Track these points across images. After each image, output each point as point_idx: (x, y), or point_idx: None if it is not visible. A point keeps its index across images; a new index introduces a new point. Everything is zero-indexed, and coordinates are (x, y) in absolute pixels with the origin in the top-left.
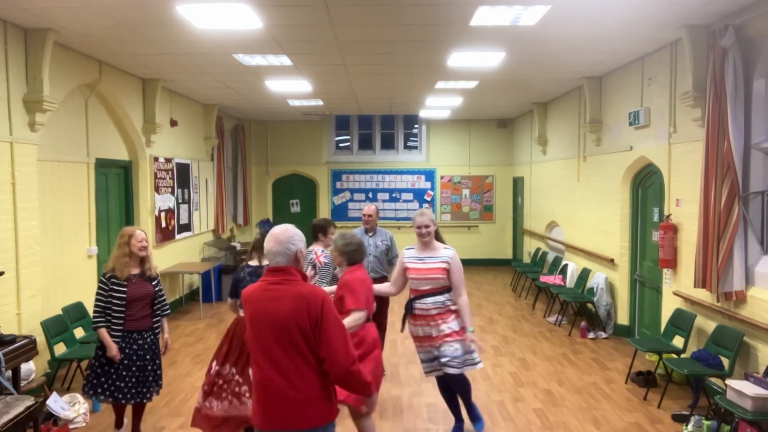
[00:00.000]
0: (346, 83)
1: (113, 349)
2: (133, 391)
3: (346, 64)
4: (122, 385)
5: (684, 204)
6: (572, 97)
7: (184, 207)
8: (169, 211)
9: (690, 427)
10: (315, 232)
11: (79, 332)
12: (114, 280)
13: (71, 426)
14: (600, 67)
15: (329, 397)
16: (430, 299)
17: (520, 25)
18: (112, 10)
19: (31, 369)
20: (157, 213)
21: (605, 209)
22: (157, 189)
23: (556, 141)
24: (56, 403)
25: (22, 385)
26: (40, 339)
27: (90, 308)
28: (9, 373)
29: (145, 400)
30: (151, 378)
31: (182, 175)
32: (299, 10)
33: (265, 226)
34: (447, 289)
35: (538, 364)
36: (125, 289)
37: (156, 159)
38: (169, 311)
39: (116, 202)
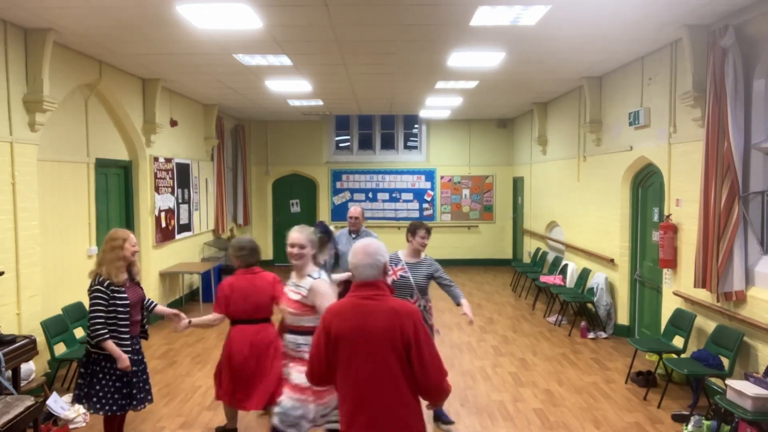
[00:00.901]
0: (346, 83)
1: (125, 360)
2: (140, 396)
3: (346, 64)
4: (135, 391)
5: (684, 204)
6: (572, 97)
7: (184, 207)
8: (169, 211)
9: (690, 427)
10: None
11: (79, 332)
12: (113, 287)
13: (71, 426)
14: (600, 67)
15: (420, 414)
16: (289, 336)
17: (520, 25)
18: (112, 10)
19: (31, 369)
20: (157, 213)
21: (605, 209)
22: (157, 189)
23: (556, 141)
24: (56, 403)
25: (22, 385)
26: (40, 339)
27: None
28: (9, 373)
29: (147, 404)
30: (146, 385)
31: (182, 175)
32: (299, 10)
33: (323, 227)
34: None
35: (538, 364)
36: (126, 294)
37: (156, 159)
38: (155, 304)
39: (116, 202)
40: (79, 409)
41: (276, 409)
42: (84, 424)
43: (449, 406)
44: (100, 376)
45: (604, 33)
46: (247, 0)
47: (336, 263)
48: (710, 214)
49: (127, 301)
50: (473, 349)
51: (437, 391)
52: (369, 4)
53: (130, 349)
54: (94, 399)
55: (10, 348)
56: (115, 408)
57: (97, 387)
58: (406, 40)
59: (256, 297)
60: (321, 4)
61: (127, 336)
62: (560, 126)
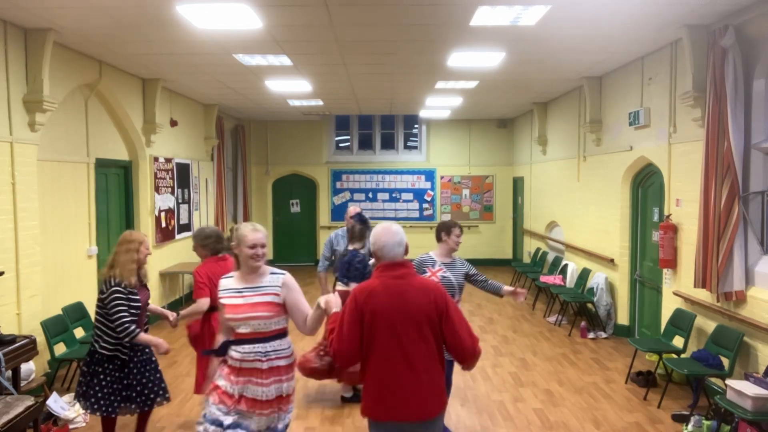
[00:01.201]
0: (346, 83)
1: (164, 344)
2: (143, 397)
3: (346, 64)
4: (134, 394)
5: (684, 204)
6: (572, 97)
7: (184, 207)
8: (169, 211)
9: (690, 427)
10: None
11: (79, 332)
12: (128, 288)
13: (71, 426)
14: (600, 67)
15: (443, 388)
16: (258, 345)
17: (520, 25)
18: (112, 10)
19: (31, 369)
20: (157, 213)
21: (605, 209)
22: (157, 189)
23: (556, 141)
24: (56, 403)
25: (22, 385)
26: (40, 339)
27: (90, 308)
28: (9, 373)
29: (147, 408)
30: (153, 386)
31: (182, 175)
32: (299, 10)
33: (361, 217)
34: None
35: (538, 364)
36: (138, 296)
37: (156, 159)
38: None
39: (116, 202)
40: (79, 409)
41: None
42: (84, 424)
43: (449, 406)
44: (101, 376)
45: (604, 33)
46: (247, 0)
47: (332, 263)
48: (710, 214)
49: (139, 303)
50: None
51: (471, 354)
52: (369, 4)
53: (139, 349)
54: (92, 399)
55: (10, 348)
56: (110, 409)
57: (96, 387)
58: (406, 40)
59: None
60: (321, 4)
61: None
62: (560, 126)
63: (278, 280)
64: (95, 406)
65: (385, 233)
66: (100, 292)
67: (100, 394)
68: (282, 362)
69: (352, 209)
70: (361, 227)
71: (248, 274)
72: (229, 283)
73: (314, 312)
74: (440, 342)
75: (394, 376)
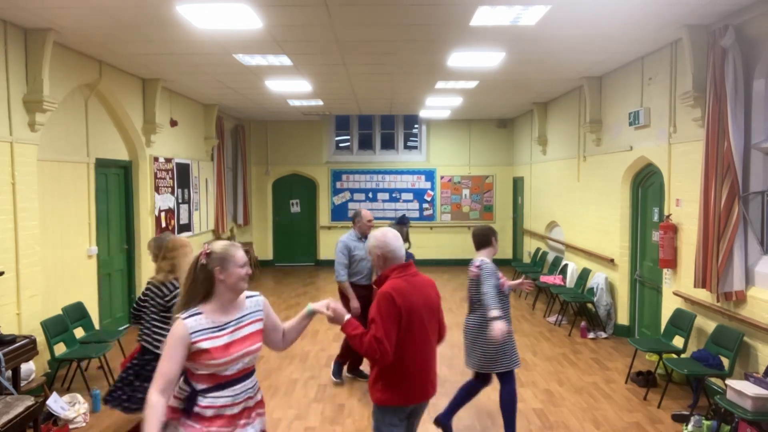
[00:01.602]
0: (346, 83)
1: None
2: None
3: (346, 64)
4: None
5: (684, 204)
6: (572, 97)
7: (184, 207)
8: (169, 211)
9: (690, 427)
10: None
11: (79, 332)
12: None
13: (71, 426)
14: (600, 67)
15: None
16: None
17: (520, 25)
18: (112, 10)
19: (31, 369)
20: (157, 213)
21: (605, 209)
22: (157, 189)
23: (556, 141)
24: (56, 403)
25: (22, 385)
26: (40, 339)
27: (91, 308)
28: (9, 373)
29: None
30: None
31: (182, 175)
32: (299, 10)
33: (406, 219)
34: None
35: (538, 364)
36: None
37: (156, 159)
38: None
39: (116, 202)
40: (79, 409)
41: None
42: (84, 424)
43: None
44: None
45: (604, 33)
46: (247, 0)
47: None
48: (710, 214)
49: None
50: None
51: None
52: (369, 4)
53: None
54: (139, 396)
55: (10, 348)
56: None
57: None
58: (406, 40)
59: None
60: (321, 4)
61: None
62: (560, 126)
63: (259, 302)
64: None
65: (392, 238)
66: (157, 295)
67: (141, 395)
68: (260, 393)
69: (368, 213)
70: (407, 230)
71: (226, 304)
72: (199, 322)
73: (302, 321)
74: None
75: (426, 363)
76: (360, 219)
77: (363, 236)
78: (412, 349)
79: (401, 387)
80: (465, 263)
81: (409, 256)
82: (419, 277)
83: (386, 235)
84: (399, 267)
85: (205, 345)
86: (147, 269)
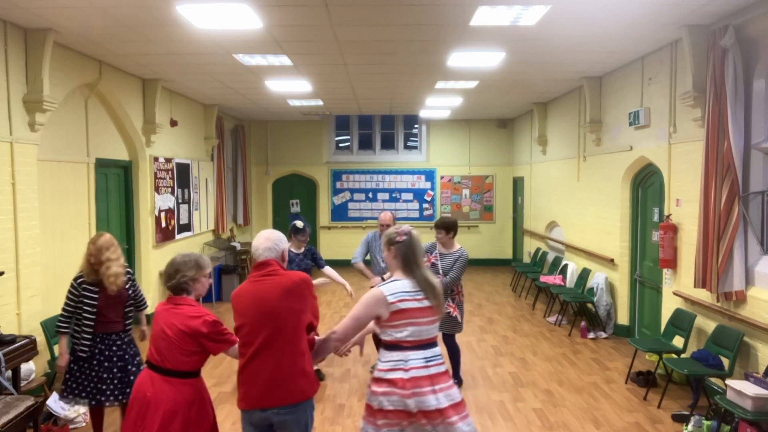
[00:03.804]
0: (346, 83)
1: (64, 359)
2: (116, 392)
3: (346, 64)
4: (104, 387)
5: (684, 204)
6: (572, 97)
7: (184, 207)
8: (169, 211)
9: (690, 427)
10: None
11: None
12: (84, 284)
13: (71, 426)
14: (600, 67)
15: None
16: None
17: (520, 25)
18: (112, 10)
19: (31, 369)
20: (157, 213)
21: (605, 209)
22: (157, 189)
23: (556, 141)
24: (56, 403)
25: (22, 385)
26: (40, 339)
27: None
28: (9, 373)
29: (126, 400)
30: (132, 378)
31: (182, 175)
32: (299, 10)
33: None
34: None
35: (538, 364)
36: (96, 294)
37: (156, 159)
38: (146, 306)
39: (116, 202)
40: (79, 409)
41: None
42: (84, 424)
43: None
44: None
45: (604, 33)
46: (247, 0)
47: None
48: (710, 214)
49: (95, 302)
50: (473, 349)
51: None
52: (369, 4)
53: (91, 340)
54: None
55: (10, 348)
56: (85, 399)
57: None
58: (406, 40)
59: None
60: (321, 4)
61: (91, 330)
62: (560, 126)
63: None
64: (92, 399)
65: (258, 237)
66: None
67: (95, 384)
68: None
69: (382, 217)
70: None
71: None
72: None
73: None
74: None
75: (263, 369)
76: (385, 219)
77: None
78: (250, 351)
79: (239, 388)
80: None
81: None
82: (269, 279)
83: (258, 235)
84: (253, 267)
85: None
86: (147, 269)
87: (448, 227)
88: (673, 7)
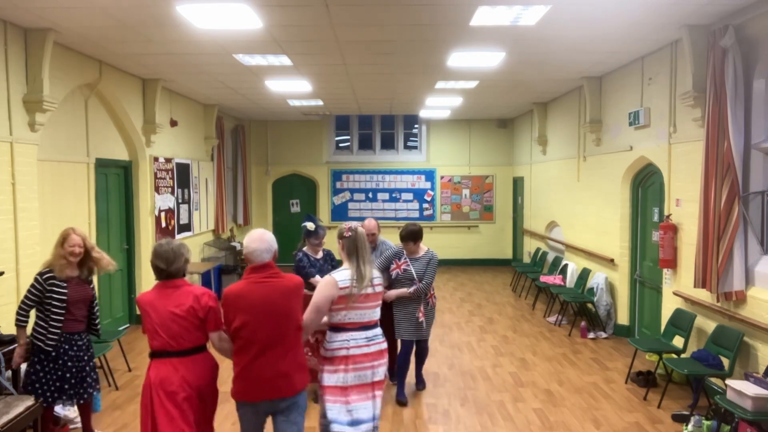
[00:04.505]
0: (346, 83)
1: (20, 355)
2: (71, 392)
3: (346, 64)
4: (66, 386)
5: (684, 204)
6: (572, 97)
7: (184, 207)
8: (169, 211)
9: (690, 427)
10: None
11: None
12: (52, 280)
13: (71, 426)
14: (600, 67)
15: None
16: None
17: (520, 25)
18: (112, 10)
19: None
20: (157, 213)
21: (605, 209)
22: (157, 189)
23: (556, 141)
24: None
25: (22, 385)
26: None
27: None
28: (9, 373)
29: (82, 401)
30: (89, 380)
31: (182, 175)
32: (299, 10)
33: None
34: None
35: (538, 364)
36: (65, 291)
37: (156, 159)
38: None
39: (116, 202)
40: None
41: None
42: None
43: (449, 406)
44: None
45: (604, 33)
46: (247, 0)
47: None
48: (710, 214)
49: (65, 297)
50: (473, 349)
51: None
52: (369, 4)
53: (57, 339)
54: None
55: (10, 348)
56: (43, 397)
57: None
58: (406, 40)
59: None
60: (321, 4)
61: (59, 328)
62: (560, 126)
63: None
64: (49, 397)
65: (254, 239)
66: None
67: (53, 383)
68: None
69: (369, 223)
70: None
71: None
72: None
73: None
74: None
75: (270, 363)
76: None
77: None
78: (254, 349)
79: (242, 383)
80: (465, 263)
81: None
82: (273, 281)
83: (251, 236)
84: (252, 268)
85: None
86: (147, 269)
87: (416, 237)
88: (673, 7)
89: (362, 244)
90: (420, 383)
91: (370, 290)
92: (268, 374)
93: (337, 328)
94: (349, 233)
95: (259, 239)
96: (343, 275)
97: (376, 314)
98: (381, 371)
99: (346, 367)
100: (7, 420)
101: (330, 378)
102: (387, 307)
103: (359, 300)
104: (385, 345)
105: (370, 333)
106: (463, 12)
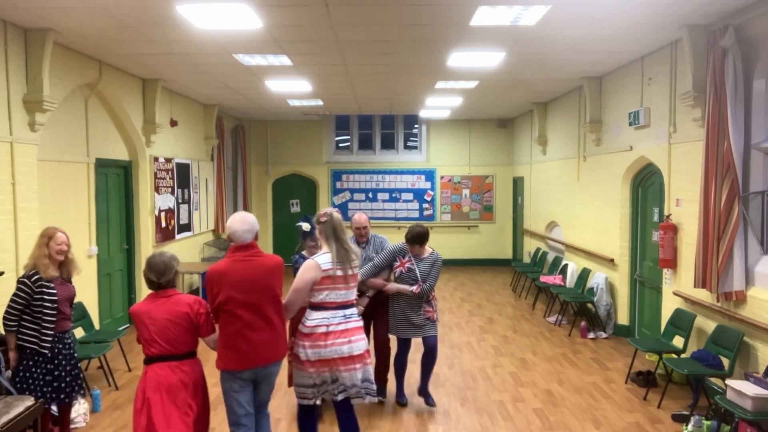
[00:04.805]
0: (346, 83)
1: (15, 359)
2: (67, 390)
3: (346, 64)
4: (62, 385)
5: (684, 204)
6: (572, 97)
7: (184, 207)
8: (169, 211)
9: (690, 427)
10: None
11: (79, 332)
12: (40, 282)
13: (71, 426)
14: (600, 67)
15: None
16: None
17: (520, 25)
18: (112, 10)
19: None
20: (157, 213)
21: (605, 209)
22: (157, 189)
23: (556, 141)
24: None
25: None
26: None
27: (91, 308)
28: (9, 373)
29: (75, 400)
30: (82, 375)
31: (182, 175)
32: (299, 10)
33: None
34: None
35: (538, 364)
36: (54, 290)
37: (156, 159)
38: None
39: (116, 202)
40: (79, 409)
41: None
42: (84, 424)
43: (449, 406)
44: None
45: (604, 33)
46: (247, 0)
47: None
48: (710, 214)
49: (55, 297)
50: (473, 349)
51: None
52: (369, 4)
53: (51, 340)
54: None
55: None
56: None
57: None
58: (406, 40)
59: None
60: (321, 4)
61: (52, 328)
62: (560, 126)
63: None
64: (48, 397)
65: (236, 221)
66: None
67: (50, 381)
68: None
69: (359, 217)
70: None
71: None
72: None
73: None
74: None
75: (258, 333)
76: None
77: (359, 243)
78: (238, 322)
79: (228, 352)
80: (465, 263)
81: None
82: (255, 259)
83: (234, 218)
84: (235, 248)
85: None
86: None
87: (422, 240)
88: (673, 7)
89: (339, 227)
90: (427, 397)
91: (350, 271)
92: (253, 343)
93: (317, 306)
94: (325, 218)
95: (242, 221)
96: (324, 258)
97: (352, 294)
98: (359, 345)
99: (326, 342)
100: (7, 420)
101: (307, 353)
102: (382, 304)
103: (340, 281)
104: (361, 323)
105: (348, 311)
106: (463, 12)
